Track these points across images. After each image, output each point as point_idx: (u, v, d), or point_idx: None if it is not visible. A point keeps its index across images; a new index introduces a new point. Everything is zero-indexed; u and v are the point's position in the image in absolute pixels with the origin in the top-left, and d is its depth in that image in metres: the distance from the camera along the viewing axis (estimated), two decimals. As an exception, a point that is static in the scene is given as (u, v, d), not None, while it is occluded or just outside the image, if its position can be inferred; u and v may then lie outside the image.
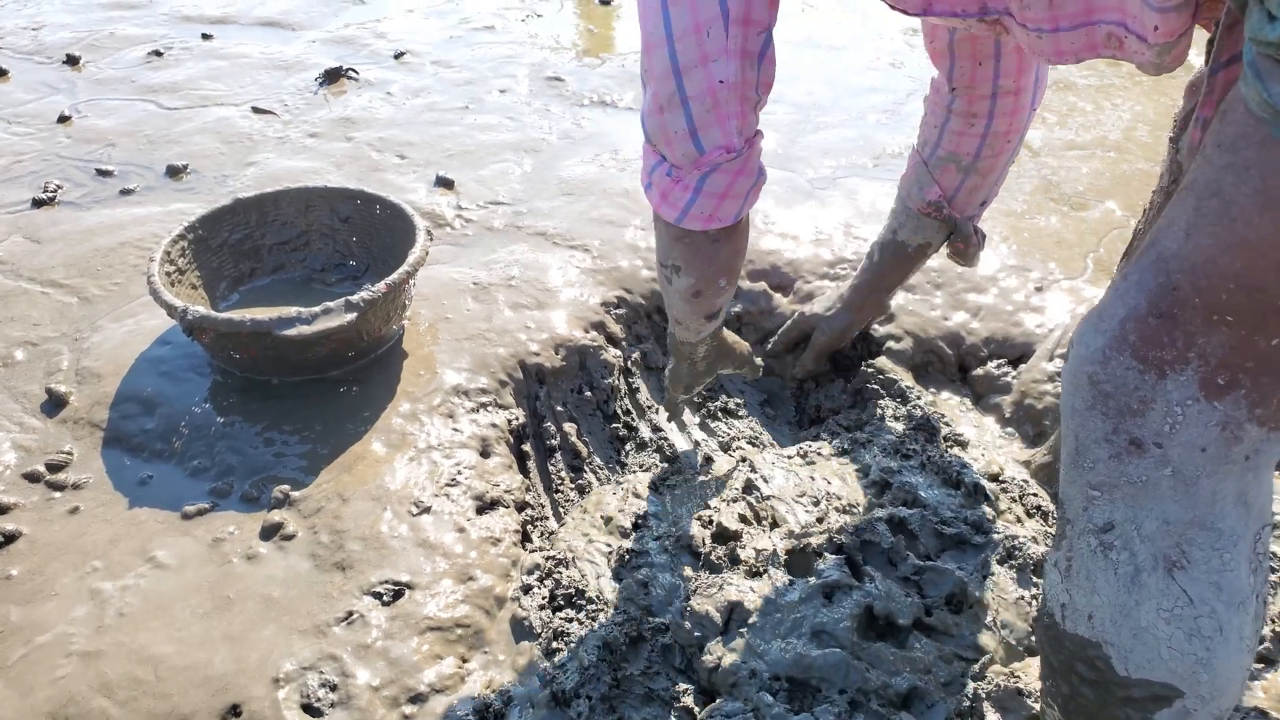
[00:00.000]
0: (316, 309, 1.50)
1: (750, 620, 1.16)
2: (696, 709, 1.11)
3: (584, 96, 2.85)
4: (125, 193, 2.31)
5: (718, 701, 1.09)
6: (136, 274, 1.97)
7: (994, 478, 1.39)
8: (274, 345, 1.51)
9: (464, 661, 1.19)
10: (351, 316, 1.51)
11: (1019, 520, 1.33)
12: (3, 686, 1.14)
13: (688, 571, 1.29)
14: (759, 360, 1.62)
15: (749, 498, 1.38)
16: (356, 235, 1.90)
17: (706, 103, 1.01)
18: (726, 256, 1.22)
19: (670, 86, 1.01)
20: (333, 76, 2.96)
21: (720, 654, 1.13)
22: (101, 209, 2.24)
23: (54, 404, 1.61)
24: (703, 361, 1.46)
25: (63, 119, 2.70)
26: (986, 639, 1.14)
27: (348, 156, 2.47)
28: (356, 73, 2.99)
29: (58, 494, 1.44)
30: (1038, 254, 1.99)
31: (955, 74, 1.37)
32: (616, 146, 2.52)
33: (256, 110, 2.76)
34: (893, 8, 1.04)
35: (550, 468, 1.64)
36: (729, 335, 1.53)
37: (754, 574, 1.23)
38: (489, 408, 1.61)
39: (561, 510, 1.57)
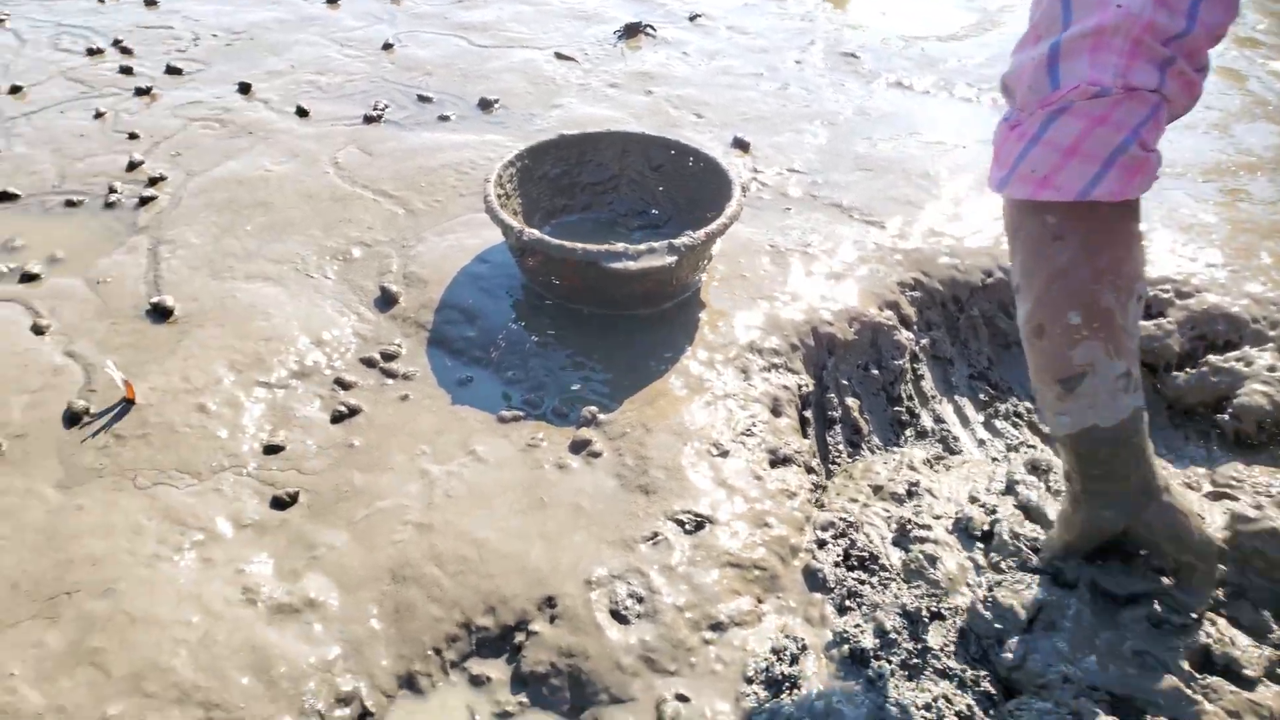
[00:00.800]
0: (641, 247, 1.56)
1: (1060, 625, 1.12)
2: (996, 696, 1.09)
3: (879, 75, 2.80)
4: (442, 119, 2.50)
5: (1025, 697, 1.06)
6: (455, 194, 2.12)
7: None
8: (597, 276, 1.59)
9: (759, 602, 1.22)
10: (673, 259, 1.56)
11: None
12: (351, 540, 1.28)
13: (979, 558, 1.26)
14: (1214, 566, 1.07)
15: (1015, 497, 1.34)
16: (664, 185, 1.96)
17: (1089, 25, 0.78)
18: (1075, 265, 0.85)
19: (1057, 8, 0.81)
20: (631, 31, 3.06)
21: (1024, 652, 1.10)
22: (422, 131, 2.43)
23: (385, 301, 1.77)
24: (1078, 483, 1.04)
25: (386, 46, 2.94)
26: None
27: (646, 109, 2.55)
28: (654, 29, 3.08)
29: (390, 381, 1.59)
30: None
31: None
32: (915, 129, 2.46)
33: (559, 56, 2.90)
34: None
35: (828, 438, 1.64)
36: (1178, 497, 1.02)
37: (1065, 585, 1.18)
38: (780, 369, 1.63)
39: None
